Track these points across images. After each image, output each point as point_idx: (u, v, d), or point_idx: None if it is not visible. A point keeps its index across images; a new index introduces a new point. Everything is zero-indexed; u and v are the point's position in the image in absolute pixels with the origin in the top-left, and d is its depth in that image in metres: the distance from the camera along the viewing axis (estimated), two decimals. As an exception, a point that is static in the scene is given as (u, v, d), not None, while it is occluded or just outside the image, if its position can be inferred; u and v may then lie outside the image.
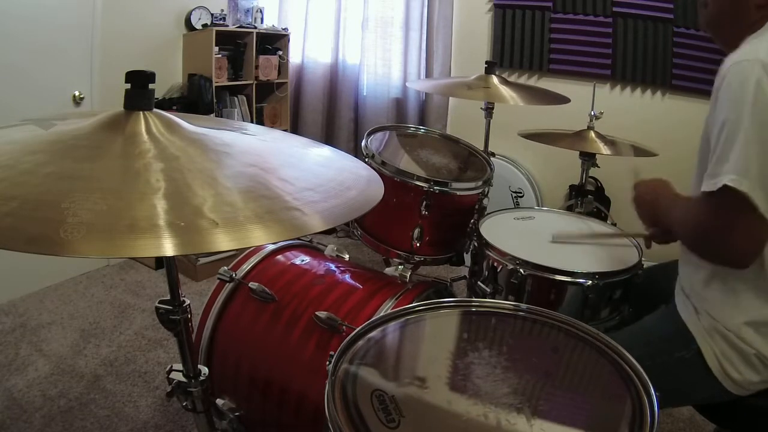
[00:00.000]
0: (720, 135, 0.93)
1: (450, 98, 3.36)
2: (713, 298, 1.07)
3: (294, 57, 3.57)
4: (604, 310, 1.42)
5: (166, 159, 0.73)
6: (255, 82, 3.30)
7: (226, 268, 1.48)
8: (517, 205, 3.06)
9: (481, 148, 2.01)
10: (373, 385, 0.82)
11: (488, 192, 1.78)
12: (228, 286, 1.46)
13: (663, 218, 1.17)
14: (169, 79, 3.13)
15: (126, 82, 0.79)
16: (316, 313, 1.30)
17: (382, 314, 1.04)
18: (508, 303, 1.07)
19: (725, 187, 0.89)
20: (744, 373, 1.04)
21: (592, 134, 1.99)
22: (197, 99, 3.02)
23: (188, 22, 3.11)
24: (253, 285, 1.40)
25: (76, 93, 2.61)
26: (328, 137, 3.67)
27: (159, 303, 0.91)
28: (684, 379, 1.10)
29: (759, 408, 1.10)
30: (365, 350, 0.91)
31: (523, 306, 1.05)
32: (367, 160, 1.65)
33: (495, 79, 2.01)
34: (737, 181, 0.88)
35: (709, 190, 0.92)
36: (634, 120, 2.73)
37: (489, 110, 2.21)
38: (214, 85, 3.06)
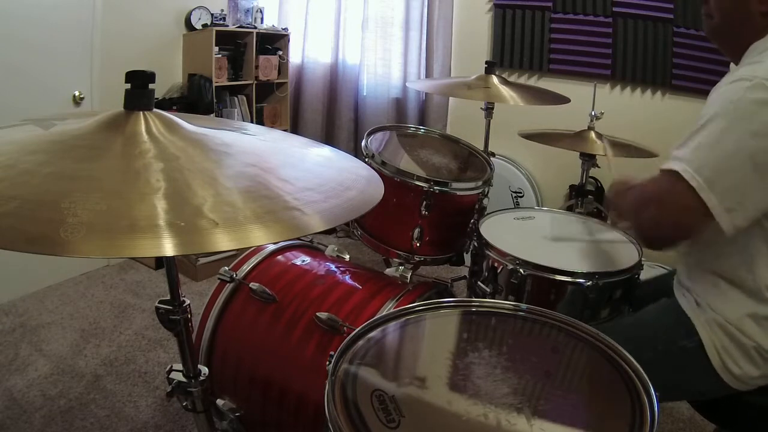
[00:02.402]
0: (697, 126, 0.98)
1: (450, 98, 3.37)
2: (712, 292, 1.08)
3: (294, 57, 3.57)
4: (604, 310, 1.42)
5: (166, 159, 0.73)
6: (255, 82, 3.30)
7: (226, 268, 1.48)
8: (517, 205, 3.06)
9: (481, 148, 2.01)
10: (373, 385, 0.82)
11: (488, 192, 1.78)
12: (228, 287, 1.46)
13: (624, 210, 1.20)
14: (169, 79, 3.13)
15: (126, 82, 0.79)
16: (317, 313, 1.30)
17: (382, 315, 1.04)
18: (508, 303, 1.07)
19: (672, 171, 0.96)
20: (744, 367, 1.04)
21: (593, 134, 1.98)
22: (197, 99, 3.02)
23: (188, 22, 3.11)
24: (253, 285, 1.40)
25: (76, 93, 2.61)
26: (328, 137, 3.67)
27: (159, 303, 0.91)
28: (684, 370, 1.10)
29: (759, 407, 1.10)
30: (365, 350, 0.91)
31: (523, 306, 1.05)
32: (367, 160, 1.65)
33: (495, 79, 2.01)
34: (687, 172, 0.94)
35: (664, 168, 0.99)
36: (634, 120, 2.72)
37: (489, 110, 2.22)
38: (214, 85, 3.06)
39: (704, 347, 1.07)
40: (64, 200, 0.63)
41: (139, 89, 0.79)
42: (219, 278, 1.47)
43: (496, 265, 1.48)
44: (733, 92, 0.94)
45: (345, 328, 1.27)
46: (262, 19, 3.40)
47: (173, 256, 0.81)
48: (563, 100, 2.06)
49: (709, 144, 0.94)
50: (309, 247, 1.67)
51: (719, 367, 1.06)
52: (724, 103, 0.95)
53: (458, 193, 1.66)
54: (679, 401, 1.90)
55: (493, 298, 1.48)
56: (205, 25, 3.09)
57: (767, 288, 1.02)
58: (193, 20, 3.10)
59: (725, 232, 0.95)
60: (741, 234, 0.97)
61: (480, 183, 1.71)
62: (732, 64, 1.11)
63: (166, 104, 2.93)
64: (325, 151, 1.04)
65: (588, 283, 1.35)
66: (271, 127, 3.18)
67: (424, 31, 3.33)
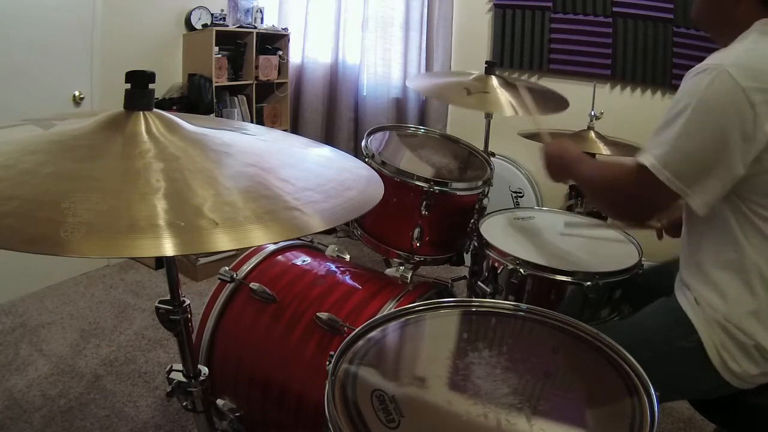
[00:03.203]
0: (667, 117, 1.01)
1: (450, 98, 3.36)
2: (713, 290, 1.08)
3: (294, 57, 3.56)
4: (604, 310, 1.42)
5: (166, 159, 0.73)
6: (255, 82, 3.30)
7: (227, 268, 1.48)
8: (517, 205, 3.06)
9: (481, 148, 2.01)
10: (373, 385, 0.82)
11: (488, 192, 1.78)
12: (229, 287, 1.45)
13: (569, 173, 1.27)
14: (169, 79, 3.13)
15: (126, 82, 0.79)
16: (318, 314, 1.30)
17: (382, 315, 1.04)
18: (508, 303, 1.07)
19: (641, 165, 1.00)
20: (743, 365, 1.04)
21: (592, 134, 1.99)
22: (197, 99, 3.02)
23: (188, 22, 3.11)
24: (253, 285, 1.40)
25: (76, 93, 2.61)
26: (328, 137, 3.67)
27: (159, 303, 0.91)
28: (684, 370, 1.10)
29: (759, 407, 1.10)
30: (365, 350, 0.91)
31: (523, 306, 1.05)
32: (367, 160, 1.65)
33: (495, 80, 2.00)
34: (655, 167, 0.98)
35: (639, 162, 1.01)
36: (634, 120, 2.72)
37: (489, 110, 2.21)
38: (214, 85, 3.06)
39: (704, 346, 1.07)
40: (64, 200, 0.63)
41: (139, 89, 0.79)
42: (219, 278, 1.46)
43: (496, 265, 1.48)
44: (697, 83, 0.97)
45: (345, 328, 1.27)
46: (262, 19, 3.40)
47: (173, 256, 0.81)
48: (562, 105, 2.03)
49: (674, 138, 0.97)
50: (309, 247, 1.67)
51: (719, 365, 1.06)
52: (691, 95, 0.97)
53: (458, 193, 1.66)
54: (679, 401, 1.90)
55: (493, 298, 1.48)
56: (205, 25, 3.09)
57: (757, 270, 1.02)
58: (193, 20, 3.09)
59: (698, 212, 0.99)
60: (718, 214, 1.02)
61: (480, 183, 1.71)
62: None
63: (166, 104, 2.93)
64: (325, 151, 1.04)
65: (588, 283, 1.35)
66: (271, 127, 3.18)
67: (424, 31, 3.33)
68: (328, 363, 0.85)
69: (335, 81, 3.59)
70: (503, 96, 1.94)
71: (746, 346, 1.03)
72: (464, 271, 1.98)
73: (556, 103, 2.04)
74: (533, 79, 3.07)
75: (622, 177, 1.09)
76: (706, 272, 1.09)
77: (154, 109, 0.81)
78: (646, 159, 1.00)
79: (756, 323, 1.03)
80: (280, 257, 1.55)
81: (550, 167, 1.32)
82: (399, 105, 3.49)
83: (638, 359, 0.87)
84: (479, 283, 1.55)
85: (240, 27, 3.19)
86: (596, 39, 2.83)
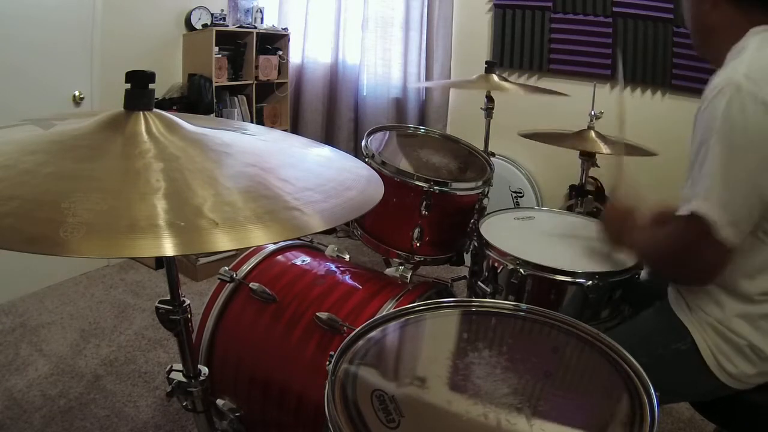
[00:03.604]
0: (694, 159, 0.97)
1: (450, 98, 3.36)
2: (702, 295, 1.08)
3: (294, 57, 3.56)
4: (604, 311, 1.42)
5: (166, 159, 0.73)
6: (255, 82, 3.30)
7: (226, 268, 1.48)
8: (517, 205, 3.06)
9: (481, 148, 2.01)
10: (373, 385, 0.82)
11: (488, 192, 1.78)
12: (228, 287, 1.45)
13: (627, 244, 1.24)
14: (169, 79, 3.13)
15: (126, 82, 0.79)
16: (317, 313, 1.30)
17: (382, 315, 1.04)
18: (508, 303, 1.07)
19: (693, 214, 0.94)
20: (739, 366, 1.04)
21: (592, 134, 1.98)
22: (197, 99, 3.02)
23: (188, 22, 3.11)
24: (253, 285, 1.40)
25: (76, 93, 2.61)
26: (328, 137, 3.67)
27: (159, 303, 0.91)
28: (681, 374, 1.10)
29: (758, 406, 1.10)
30: (365, 350, 0.91)
31: (523, 306, 1.05)
32: (367, 160, 1.65)
33: (495, 78, 2.01)
34: (704, 207, 0.92)
35: (679, 214, 0.97)
36: (634, 120, 2.69)
37: (489, 110, 2.22)
38: (214, 85, 3.06)
39: (698, 348, 1.07)
40: (64, 200, 0.63)
41: (139, 89, 0.79)
42: (219, 278, 1.47)
43: (496, 265, 1.48)
44: (714, 108, 0.93)
45: (345, 328, 1.27)
46: (262, 19, 3.40)
47: (173, 256, 0.81)
48: (563, 94, 2.06)
49: (712, 173, 0.92)
50: (309, 247, 1.67)
51: (714, 366, 1.06)
52: (710, 123, 0.93)
53: (458, 193, 1.66)
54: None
55: (493, 298, 1.48)
56: (205, 25, 3.09)
57: (761, 294, 1.02)
58: (193, 20, 3.09)
59: (734, 242, 0.94)
60: (747, 245, 0.98)
61: (480, 183, 1.71)
62: None
63: (166, 104, 2.93)
64: (325, 151, 1.04)
65: (588, 283, 1.35)
66: (271, 127, 3.18)
67: (424, 31, 3.33)
68: (328, 363, 0.85)
69: (335, 81, 3.59)
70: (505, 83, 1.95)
71: (740, 346, 1.03)
72: (464, 271, 1.98)
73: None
74: (533, 79, 3.07)
75: (673, 235, 1.03)
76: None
77: (154, 109, 0.81)
78: (689, 207, 0.94)
79: (747, 325, 1.03)
80: (280, 257, 1.55)
81: (608, 235, 1.30)
82: (399, 105, 3.49)
83: (638, 363, 0.86)
84: (479, 283, 1.55)
85: (240, 27, 3.19)
86: (596, 39, 2.83)
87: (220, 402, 1.40)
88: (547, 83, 2.94)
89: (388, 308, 1.31)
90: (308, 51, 3.58)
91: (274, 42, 3.42)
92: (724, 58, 1.03)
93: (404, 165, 1.72)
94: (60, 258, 0.57)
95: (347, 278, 1.48)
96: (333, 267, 1.53)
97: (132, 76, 0.79)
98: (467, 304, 1.08)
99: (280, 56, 3.40)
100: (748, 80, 0.90)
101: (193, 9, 3.09)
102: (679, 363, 1.09)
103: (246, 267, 1.48)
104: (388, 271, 1.60)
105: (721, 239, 0.93)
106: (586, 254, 1.51)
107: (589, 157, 2.08)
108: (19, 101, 2.30)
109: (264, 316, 1.39)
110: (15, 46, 2.33)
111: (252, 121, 3.36)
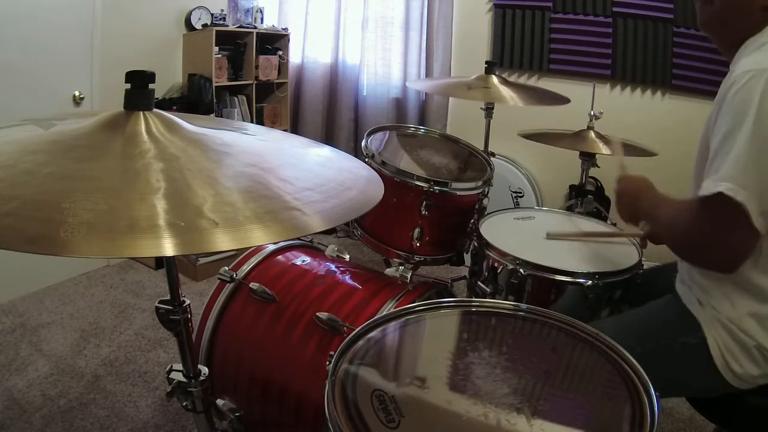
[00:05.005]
0: (722, 143, 0.94)
1: (450, 98, 3.36)
2: (714, 290, 1.08)
3: (294, 57, 3.57)
4: (604, 310, 1.42)
5: (166, 159, 0.73)
6: (255, 82, 3.30)
7: (226, 268, 1.48)
8: (517, 205, 3.06)
9: (481, 148, 2.01)
10: (373, 385, 0.82)
11: (488, 192, 1.78)
12: (228, 287, 1.46)
13: (644, 216, 1.20)
14: (169, 79, 3.13)
15: (126, 82, 0.79)
16: (317, 313, 1.30)
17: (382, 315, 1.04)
18: (508, 303, 1.07)
19: (720, 194, 0.91)
20: (745, 366, 1.04)
21: (592, 134, 1.99)
22: (197, 99, 3.02)
23: (188, 22, 3.11)
24: (253, 285, 1.40)
25: (76, 93, 2.61)
26: (328, 137, 3.67)
27: (159, 303, 0.91)
28: (686, 367, 1.10)
29: (759, 407, 1.10)
30: (365, 350, 0.91)
31: (523, 306, 1.05)
32: (367, 160, 1.65)
33: (495, 79, 2.01)
34: (734, 190, 0.90)
35: (705, 195, 0.93)
36: (634, 120, 2.73)
37: (489, 110, 2.22)
38: (214, 85, 3.06)
39: (707, 344, 1.07)
40: (64, 200, 0.63)
41: (139, 89, 0.79)
42: (219, 278, 1.47)
43: (496, 265, 1.48)
44: (749, 91, 0.91)
45: (345, 328, 1.27)
46: (262, 19, 3.40)
47: (173, 256, 0.81)
48: (563, 100, 2.06)
49: (745, 155, 0.90)
50: (309, 247, 1.67)
51: (721, 365, 1.06)
52: (743, 107, 0.91)
53: (458, 193, 1.66)
54: (678, 400, 1.90)
55: (493, 298, 1.48)
56: (205, 25, 3.09)
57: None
58: (193, 20, 3.10)
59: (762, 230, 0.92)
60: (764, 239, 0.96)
61: (480, 183, 1.71)
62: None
63: (166, 104, 2.93)
64: (325, 151, 1.04)
65: (588, 283, 1.35)
66: (271, 127, 3.18)
67: (424, 31, 3.33)
68: (328, 363, 0.85)
69: (335, 81, 3.59)
70: (504, 90, 1.95)
71: (748, 346, 1.03)
72: (464, 271, 1.98)
73: (556, 99, 2.06)
74: (533, 79, 3.07)
75: (702, 216, 0.98)
76: (706, 274, 1.09)
77: (154, 109, 0.81)
78: (716, 186, 0.91)
79: (757, 324, 1.03)
80: (279, 257, 1.55)
81: (621, 205, 1.26)
82: (399, 105, 3.49)
83: (642, 350, 0.86)
84: (479, 283, 1.55)
85: (240, 27, 3.19)
86: (596, 39, 2.83)
87: (220, 402, 1.40)
88: (547, 83, 2.93)
89: (388, 308, 1.31)
90: (308, 51, 3.58)
91: (274, 42, 3.42)
92: (735, 42, 1.03)
93: (404, 165, 1.72)
94: (60, 258, 0.57)
95: (347, 278, 1.48)
96: (333, 267, 1.53)
97: (132, 76, 0.79)
98: (467, 304, 1.08)
99: (280, 56, 3.40)
100: None
101: (193, 9, 3.09)
102: (686, 356, 1.09)
103: (246, 267, 1.48)
104: (388, 271, 1.60)
105: (755, 227, 0.90)
106: (586, 254, 1.51)
107: (589, 157, 2.08)
108: (19, 101, 2.30)
109: (264, 316, 1.39)
110: (15, 46, 2.33)
111: (252, 121, 3.36)
